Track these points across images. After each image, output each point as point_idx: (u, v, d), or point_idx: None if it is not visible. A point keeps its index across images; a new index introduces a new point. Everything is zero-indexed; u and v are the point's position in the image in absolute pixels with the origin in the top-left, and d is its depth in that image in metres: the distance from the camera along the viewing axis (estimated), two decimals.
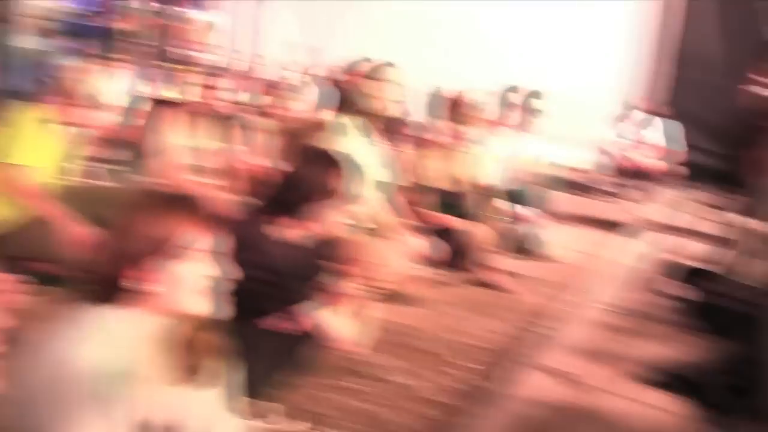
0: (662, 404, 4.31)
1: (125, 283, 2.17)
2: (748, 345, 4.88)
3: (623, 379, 4.58)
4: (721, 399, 4.28)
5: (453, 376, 4.46)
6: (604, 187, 10.77)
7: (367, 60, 8.31)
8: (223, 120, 6.39)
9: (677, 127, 10.74)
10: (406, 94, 7.86)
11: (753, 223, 6.24)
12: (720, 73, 10.93)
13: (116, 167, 6.68)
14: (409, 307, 5.39)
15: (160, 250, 2.18)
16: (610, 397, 4.35)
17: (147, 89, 8.86)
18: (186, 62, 10.81)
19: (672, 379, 4.53)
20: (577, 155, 11.51)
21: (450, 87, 7.30)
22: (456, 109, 6.86)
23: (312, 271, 3.65)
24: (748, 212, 6.66)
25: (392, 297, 5.14)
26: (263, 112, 7.66)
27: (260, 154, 6.60)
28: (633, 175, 10.65)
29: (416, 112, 7.96)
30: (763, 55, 8.11)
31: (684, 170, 10.58)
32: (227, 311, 2.37)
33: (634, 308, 5.90)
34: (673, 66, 12.11)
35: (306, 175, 3.64)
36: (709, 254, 6.90)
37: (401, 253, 5.20)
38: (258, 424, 3.46)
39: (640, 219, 9.03)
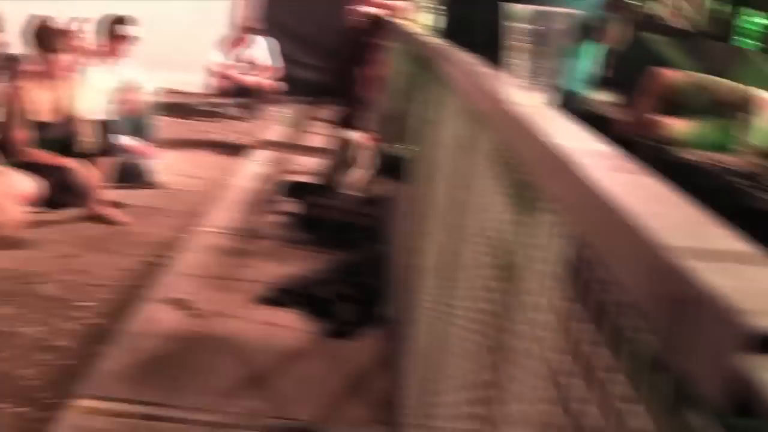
0: (282, 321, 4.47)
1: None
2: (357, 254, 5.20)
3: (242, 301, 4.69)
4: (337, 309, 4.53)
5: (71, 318, 4.36)
6: (213, 109, 10.81)
7: None
8: None
9: (274, 44, 11.01)
10: (3, 25, 7.35)
11: (352, 134, 6.56)
12: None
13: None
14: (19, 251, 5.15)
15: None
16: (230, 320, 4.44)
17: None
18: None
19: (289, 296, 4.72)
20: (185, 79, 11.42)
21: (47, 15, 6.94)
22: (54, 38, 6.54)
23: None
24: (347, 124, 7.00)
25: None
26: None
27: None
28: (240, 94, 10.78)
29: (15, 44, 7.47)
30: None
31: (286, 85, 10.89)
32: None
33: (249, 229, 6.03)
34: None
35: None
36: (315, 167, 7.19)
37: (4, 195, 4.95)
38: None
39: (250, 138, 9.19)
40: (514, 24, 1.71)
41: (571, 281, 1.18)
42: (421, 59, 3.96)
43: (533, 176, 1.38)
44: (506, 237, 1.69)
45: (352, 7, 8.51)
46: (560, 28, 1.67)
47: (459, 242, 2.30)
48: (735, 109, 5.16)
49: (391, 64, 6.13)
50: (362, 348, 4.22)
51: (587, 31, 6.01)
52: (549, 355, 1.29)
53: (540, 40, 1.66)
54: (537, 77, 1.68)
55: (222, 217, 6.33)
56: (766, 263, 0.80)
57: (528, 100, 1.65)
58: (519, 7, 1.70)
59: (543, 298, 1.35)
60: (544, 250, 1.37)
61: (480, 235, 1.98)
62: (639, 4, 9.95)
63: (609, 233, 0.95)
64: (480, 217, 1.99)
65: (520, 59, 1.71)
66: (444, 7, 5.79)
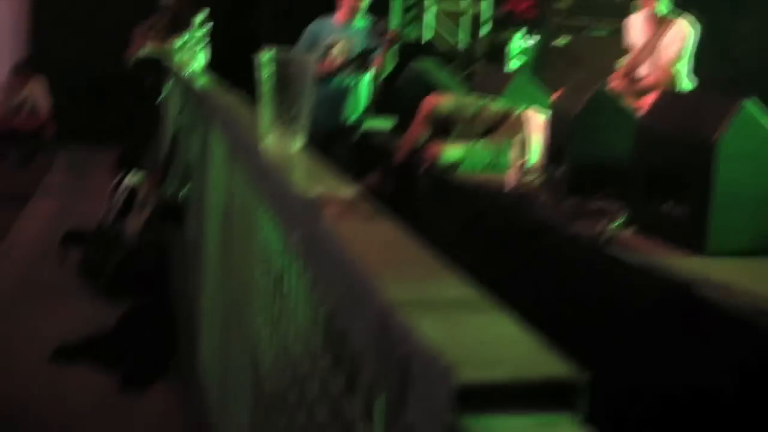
0: (71, 378, 4.26)
1: None
2: (143, 301, 5.05)
3: (26, 359, 4.45)
4: (128, 360, 4.37)
5: None
6: None
7: None
8: None
9: (48, 85, 10.67)
10: None
11: (133, 177, 6.37)
12: (83, 34, 11.04)
13: None
14: None
15: None
16: (15, 381, 4.20)
17: None
18: None
19: (77, 350, 4.52)
20: None
21: None
22: None
23: None
24: (128, 165, 6.82)
25: None
26: None
27: None
28: (16, 138, 10.33)
29: None
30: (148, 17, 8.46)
31: (64, 127, 10.58)
32: None
33: (30, 281, 5.77)
34: (31, 25, 11.87)
35: None
36: (96, 213, 6.96)
37: None
38: None
39: (28, 185, 8.83)
40: (265, 68, 1.70)
41: (322, 331, 1.18)
42: (192, 99, 3.91)
43: (282, 224, 1.37)
44: (273, 284, 1.68)
45: (131, 46, 8.39)
46: (306, 71, 1.68)
47: (232, 288, 2.27)
48: (506, 129, 5.37)
49: (168, 103, 6.03)
50: (158, 399, 4.09)
51: (362, 61, 6.13)
52: (309, 402, 1.28)
53: (286, 83, 1.66)
54: (288, 120, 1.68)
55: (6, 270, 6.03)
56: (487, 310, 0.81)
57: (278, 145, 1.65)
58: (266, 53, 1.69)
59: (302, 346, 1.34)
60: (302, 299, 1.36)
61: (250, 281, 1.96)
62: (406, 30, 10.26)
63: (341, 285, 0.95)
64: (249, 263, 1.96)
65: (272, 102, 1.70)
66: (213, 46, 5.77)
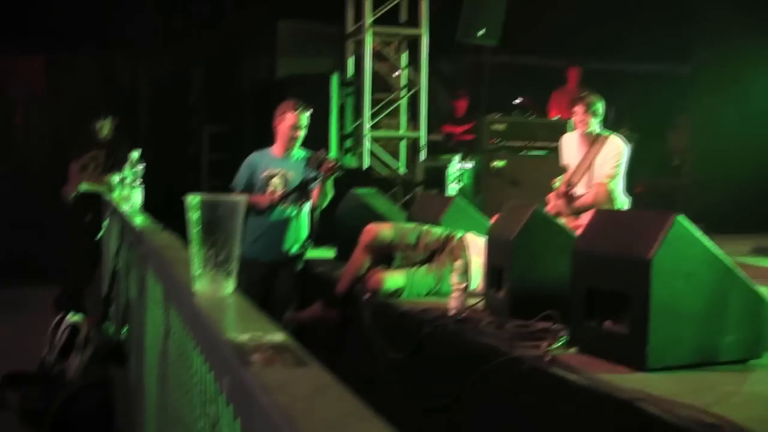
0: None
1: None
2: None
3: None
4: None
5: None
6: None
7: None
8: None
9: None
10: None
11: (72, 317, 6.26)
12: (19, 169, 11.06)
13: None
14: None
15: None
16: None
17: None
18: None
19: None
20: None
21: None
22: None
23: None
24: (67, 305, 6.73)
25: None
26: None
27: None
28: None
29: None
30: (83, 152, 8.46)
31: None
32: None
33: None
34: None
35: None
36: (35, 354, 6.81)
37: None
38: None
39: None
40: (193, 211, 1.71)
41: None
42: (129, 238, 3.90)
43: (214, 369, 1.36)
44: (210, 429, 1.65)
45: (68, 181, 8.38)
46: (234, 214, 1.69)
47: (172, 430, 2.23)
48: (447, 254, 5.41)
49: (108, 240, 6.00)
50: None
51: (302, 191, 6.17)
52: None
53: (215, 226, 1.67)
54: (218, 263, 1.68)
55: None
56: None
57: (209, 288, 1.65)
58: (193, 196, 1.70)
59: None
60: None
61: (189, 424, 1.92)
62: (345, 158, 10.40)
63: None
64: (186, 406, 1.93)
65: (201, 245, 1.71)
66: (151, 182, 5.80)
